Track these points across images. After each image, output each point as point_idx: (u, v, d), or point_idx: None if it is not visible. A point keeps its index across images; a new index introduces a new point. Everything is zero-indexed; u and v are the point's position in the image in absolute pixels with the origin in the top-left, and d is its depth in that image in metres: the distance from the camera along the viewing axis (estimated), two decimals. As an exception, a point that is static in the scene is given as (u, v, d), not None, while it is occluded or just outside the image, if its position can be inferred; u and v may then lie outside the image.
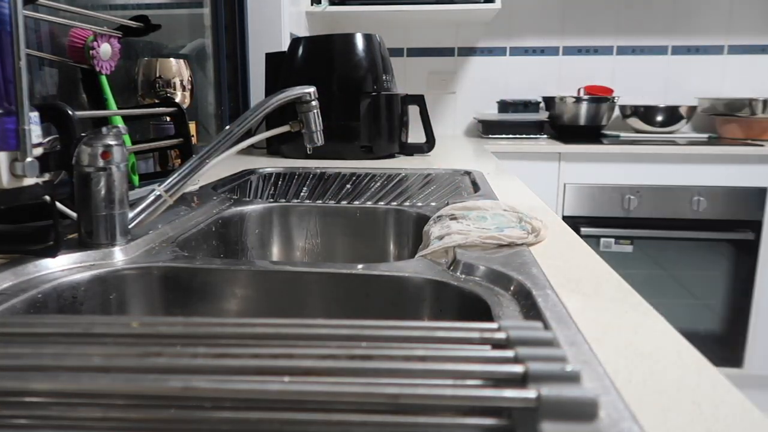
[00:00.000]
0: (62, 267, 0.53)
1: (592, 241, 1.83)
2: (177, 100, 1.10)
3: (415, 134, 1.57)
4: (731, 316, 1.86)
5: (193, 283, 0.56)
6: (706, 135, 2.15)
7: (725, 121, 2.09)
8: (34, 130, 0.48)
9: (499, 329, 0.30)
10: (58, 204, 0.55)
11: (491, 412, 0.26)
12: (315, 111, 0.78)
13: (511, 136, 2.14)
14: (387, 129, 1.46)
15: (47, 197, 0.52)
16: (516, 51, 2.37)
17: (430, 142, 1.55)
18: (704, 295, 1.86)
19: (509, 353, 0.28)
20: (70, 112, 0.60)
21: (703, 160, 1.80)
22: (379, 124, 1.44)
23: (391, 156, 1.50)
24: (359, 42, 1.44)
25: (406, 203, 0.89)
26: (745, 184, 1.79)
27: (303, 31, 2.02)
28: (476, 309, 0.47)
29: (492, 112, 2.23)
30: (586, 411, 0.24)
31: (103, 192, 0.56)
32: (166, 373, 0.26)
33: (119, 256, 0.57)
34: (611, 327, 0.40)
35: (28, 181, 0.49)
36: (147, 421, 0.26)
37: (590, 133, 2.13)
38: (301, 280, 0.56)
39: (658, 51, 2.29)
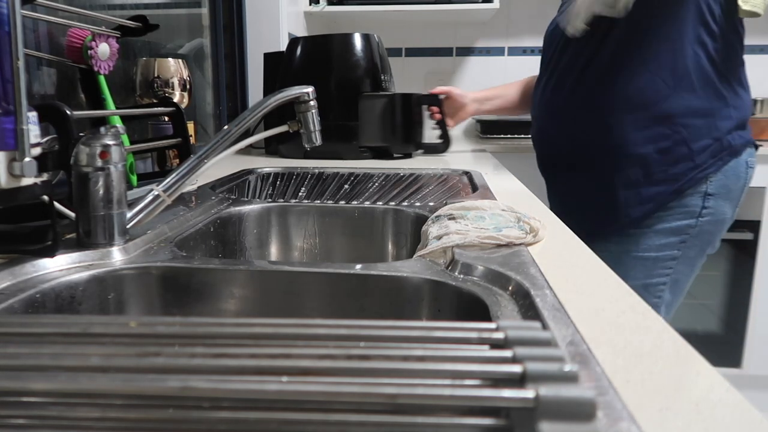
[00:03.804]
0: (60, 267, 0.53)
1: (591, 241, 1.83)
2: (175, 99, 1.10)
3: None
4: (730, 316, 1.87)
5: (192, 283, 0.56)
6: (704, 135, 2.15)
7: (723, 122, 2.09)
8: (32, 129, 0.48)
9: (497, 329, 0.30)
10: (56, 204, 0.55)
11: (489, 412, 0.26)
12: (313, 111, 0.78)
13: (509, 136, 2.14)
14: (403, 129, 1.46)
15: (45, 197, 0.52)
16: (514, 51, 2.37)
17: (445, 142, 1.54)
18: (703, 295, 1.86)
19: (507, 353, 0.28)
20: (68, 112, 0.60)
21: (702, 160, 1.80)
22: (395, 123, 1.44)
23: (390, 156, 1.50)
24: (357, 42, 1.44)
25: (405, 203, 0.89)
26: (743, 184, 1.79)
27: (301, 31, 2.02)
28: (474, 309, 0.47)
29: (490, 112, 2.23)
30: (584, 411, 0.24)
31: (101, 192, 0.55)
32: (164, 373, 0.26)
33: (117, 256, 0.57)
34: (609, 327, 0.40)
35: (26, 181, 0.49)
36: (145, 421, 0.26)
37: (589, 133, 2.12)
38: (299, 280, 0.56)
39: (657, 51, 2.29)
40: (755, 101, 2.03)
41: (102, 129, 0.56)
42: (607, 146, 1.13)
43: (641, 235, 1.10)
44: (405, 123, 1.46)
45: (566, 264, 0.56)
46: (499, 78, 2.39)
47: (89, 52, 0.85)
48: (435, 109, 1.53)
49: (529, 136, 1.37)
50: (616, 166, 1.12)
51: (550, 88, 1.23)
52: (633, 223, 1.11)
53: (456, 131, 2.44)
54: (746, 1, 1.01)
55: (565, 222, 0.74)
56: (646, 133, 1.08)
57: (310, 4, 2.06)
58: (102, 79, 0.88)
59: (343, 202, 0.90)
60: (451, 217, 0.68)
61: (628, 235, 1.11)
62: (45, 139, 0.57)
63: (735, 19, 1.05)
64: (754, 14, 1.03)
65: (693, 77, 1.05)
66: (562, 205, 1.26)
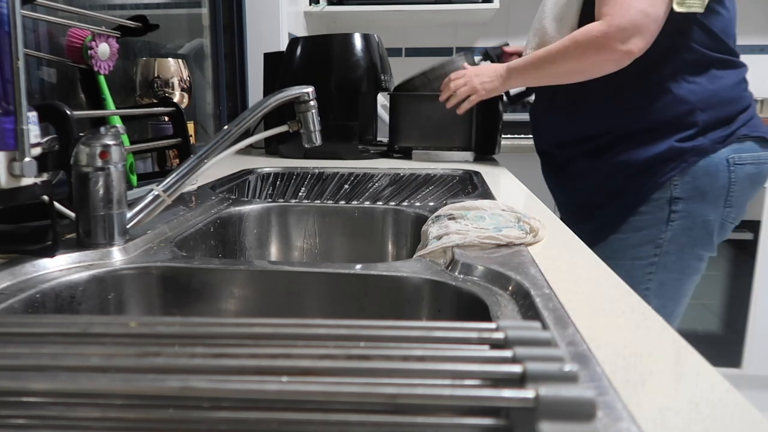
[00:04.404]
0: (60, 267, 0.53)
1: (591, 241, 1.83)
2: (175, 100, 1.10)
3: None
4: (730, 316, 1.87)
5: (192, 283, 0.56)
6: (704, 135, 2.15)
7: (723, 122, 2.09)
8: (32, 129, 0.48)
9: (497, 329, 0.30)
10: (56, 204, 0.55)
11: (489, 412, 0.26)
12: (313, 111, 0.78)
13: (509, 135, 2.14)
14: (484, 129, 1.45)
15: (45, 197, 0.52)
16: (514, 51, 2.36)
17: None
18: (703, 295, 1.86)
19: (507, 353, 0.28)
20: (68, 112, 0.60)
21: (702, 160, 1.80)
22: (477, 124, 1.43)
23: (391, 156, 1.50)
24: (357, 42, 1.44)
25: (405, 203, 0.89)
26: (743, 184, 1.78)
27: (301, 31, 2.02)
28: (474, 309, 0.47)
29: (490, 112, 2.23)
30: (583, 411, 0.24)
31: (101, 192, 0.56)
32: (164, 373, 0.26)
33: (117, 256, 0.57)
34: (609, 327, 0.40)
35: (27, 181, 0.49)
36: (145, 421, 0.26)
37: (589, 133, 2.12)
38: (299, 280, 0.56)
39: (657, 51, 2.29)
40: (755, 101, 2.03)
41: (102, 129, 0.56)
42: (574, 157, 1.15)
43: (615, 241, 1.09)
44: (485, 123, 1.45)
45: (566, 264, 0.56)
46: (499, 78, 2.38)
47: (89, 52, 0.85)
48: None
49: (530, 136, 1.38)
50: (580, 176, 1.14)
51: (542, 100, 1.25)
52: (602, 231, 1.11)
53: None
54: (681, 3, 0.97)
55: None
56: (607, 154, 1.08)
57: (310, 4, 2.06)
58: (102, 79, 0.88)
59: (343, 202, 0.90)
60: (451, 217, 0.68)
61: (603, 242, 1.11)
62: (45, 139, 0.57)
63: (690, 22, 1.01)
64: (691, 14, 0.98)
65: (647, 98, 1.04)
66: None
